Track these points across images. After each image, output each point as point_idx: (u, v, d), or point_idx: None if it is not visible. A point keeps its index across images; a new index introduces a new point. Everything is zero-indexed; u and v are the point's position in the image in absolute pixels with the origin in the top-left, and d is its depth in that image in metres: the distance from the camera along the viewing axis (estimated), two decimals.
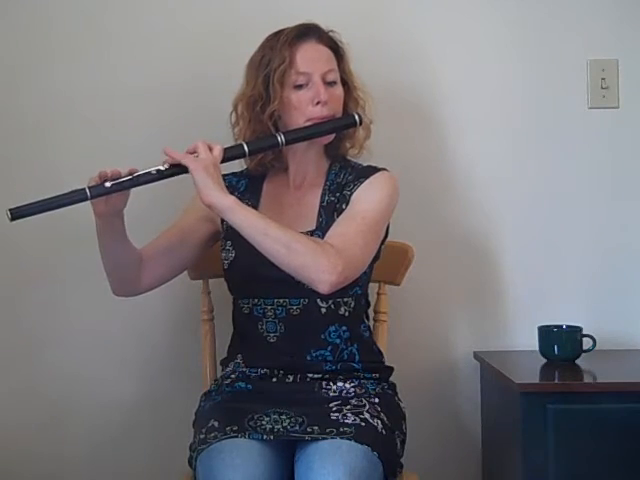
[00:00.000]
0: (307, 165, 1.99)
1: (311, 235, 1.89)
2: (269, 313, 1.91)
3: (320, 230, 1.90)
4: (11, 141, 2.33)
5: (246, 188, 2.02)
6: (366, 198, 1.90)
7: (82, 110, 2.32)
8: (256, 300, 1.93)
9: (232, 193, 1.96)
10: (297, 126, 1.92)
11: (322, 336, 1.91)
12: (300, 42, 1.92)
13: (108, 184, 1.80)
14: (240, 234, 1.81)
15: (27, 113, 2.32)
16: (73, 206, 2.32)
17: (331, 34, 1.97)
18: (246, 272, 1.92)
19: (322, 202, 1.95)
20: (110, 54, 2.32)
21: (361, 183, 1.93)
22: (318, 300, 1.89)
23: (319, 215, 1.93)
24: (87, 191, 1.79)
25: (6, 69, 2.31)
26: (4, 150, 2.32)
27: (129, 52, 2.32)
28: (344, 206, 1.92)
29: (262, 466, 1.71)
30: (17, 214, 1.76)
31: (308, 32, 1.94)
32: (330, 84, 1.93)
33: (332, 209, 1.93)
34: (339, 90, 1.95)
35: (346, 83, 1.97)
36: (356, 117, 1.93)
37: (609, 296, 2.37)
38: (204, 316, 2.16)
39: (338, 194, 1.95)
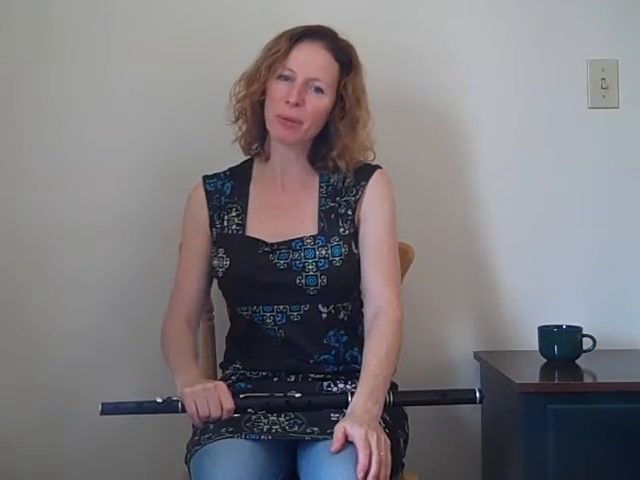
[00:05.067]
0: (290, 166, 1.97)
1: (313, 239, 1.90)
2: (268, 320, 1.90)
3: (323, 235, 1.91)
4: (10, 140, 2.33)
5: (232, 191, 2.00)
6: (379, 220, 1.92)
7: (81, 109, 2.32)
8: (255, 307, 1.91)
9: (218, 197, 1.98)
10: (268, 117, 1.91)
11: (324, 341, 1.91)
12: (305, 40, 1.90)
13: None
14: (232, 241, 1.87)
15: (26, 112, 2.32)
16: (74, 205, 2.35)
17: (345, 46, 1.93)
18: (243, 279, 1.91)
19: (321, 206, 1.95)
20: (110, 54, 2.32)
21: (363, 187, 1.94)
22: (319, 305, 1.89)
23: (319, 219, 1.93)
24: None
25: (5, 68, 2.31)
26: (3, 149, 2.32)
27: (129, 52, 2.32)
28: (349, 211, 1.92)
29: (253, 467, 1.69)
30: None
31: (317, 35, 1.91)
32: (316, 91, 1.89)
33: (335, 214, 1.93)
34: (321, 101, 1.90)
35: (342, 100, 1.92)
36: (477, 394, 1.83)
37: (609, 296, 2.37)
38: (204, 316, 2.15)
39: (338, 198, 1.95)
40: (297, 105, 1.87)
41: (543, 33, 2.35)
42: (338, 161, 1.94)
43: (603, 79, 2.35)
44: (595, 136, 2.36)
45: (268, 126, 1.93)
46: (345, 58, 1.93)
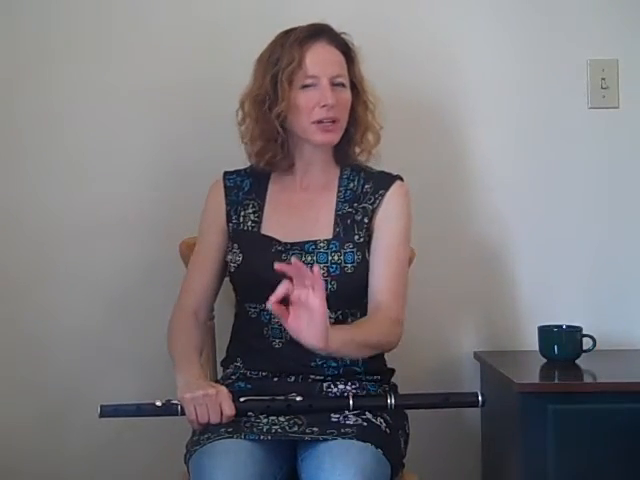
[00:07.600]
0: (314, 167, 1.98)
1: (327, 244, 1.89)
2: (275, 319, 1.88)
3: (337, 239, 1.90)
4: (10, 140, 2.33)
5: (251, 187, 2.00)
6: (393, 231, 1.92)
7: (82, 109, 2.32)
8: (263, 305, 1.88)
9: (236, 193, 1.98)
10: (302, 126, 1.90)
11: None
12: (311, 42, 1.90)
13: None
14: (246, 238, 1.87)
15: (26, 112, 2.32)
16: (75, 205, 2.35)
17: (343, 36, 1.95)
18: (253, 276, 1.90)
19: (337, 210, 1.94)
20: (111, 54, 2.32)
21: (382, 197, 1.93)
22: (328, 310, 1.88)
23: (335, 224, 1.93)
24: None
25: (6, 68, 2.31)
26: (3, 149, 2.32)
27: (130, 52, 2.32)
28: (365, 219, 1.92)
29: (251, 468, 1.69)
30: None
31: (320, 33, 1.92)
32: (338, 86, 1.91)
33: (351, 220, 1.93)
34: (347, 94, 1.93)
35: (355, 87, 1.95)
36: (479, 398, 1.81)
37: (609, 296, 2.37)
38: None
39: (356, 204, 1.94)
40: (333, 106, 1.89)
41: (543, 33, 2.35)
42: (357, 147, 1.97)
43: (603, 79, 2.35)
44: (595, 136, 2.36)
45: (304, 135, 1.92)
46: (345, 48, 1.95)
